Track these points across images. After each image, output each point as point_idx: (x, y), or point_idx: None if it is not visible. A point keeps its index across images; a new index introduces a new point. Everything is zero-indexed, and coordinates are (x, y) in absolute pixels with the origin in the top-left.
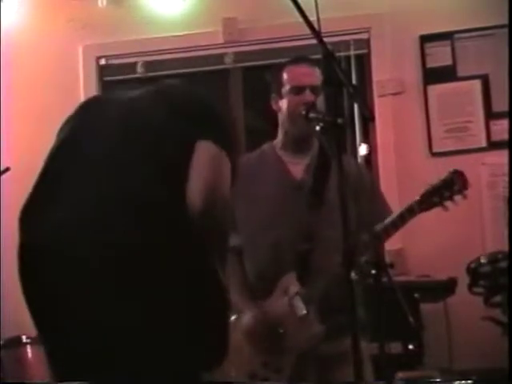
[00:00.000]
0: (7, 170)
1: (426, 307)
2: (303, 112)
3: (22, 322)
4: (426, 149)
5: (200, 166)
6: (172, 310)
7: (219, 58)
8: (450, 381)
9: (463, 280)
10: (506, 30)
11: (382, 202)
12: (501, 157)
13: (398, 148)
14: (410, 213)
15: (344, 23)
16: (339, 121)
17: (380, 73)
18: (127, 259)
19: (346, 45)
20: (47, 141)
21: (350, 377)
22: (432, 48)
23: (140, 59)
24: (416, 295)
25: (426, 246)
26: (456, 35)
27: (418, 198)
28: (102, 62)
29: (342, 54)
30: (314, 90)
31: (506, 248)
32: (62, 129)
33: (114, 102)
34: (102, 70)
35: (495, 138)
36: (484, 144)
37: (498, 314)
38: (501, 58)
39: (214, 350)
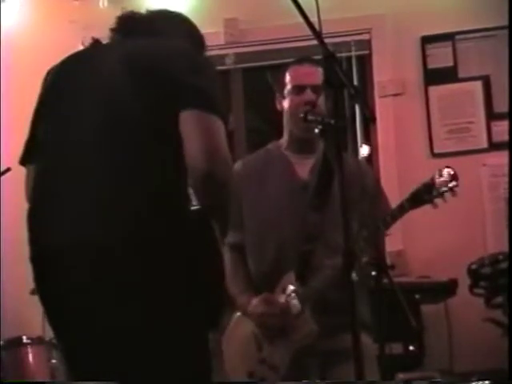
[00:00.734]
0: (8, 170)
1: (426, 308)
2: (302, 114)
3: (22, 322)
4: (427, 149)
5: (192, 134)
6: (172, 277)
7: (220, 58)
8: (450, 382)
9: (464, 281)
10: (506, 31)
11: (384, 201)
12: (502, 158)
13: (398, 149)
14: (400, 211)
15: (345, 24)
16: (338, 122)
17: (381, 73)
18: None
19: (347, 46)
20: None
21: (349, 375)
22: (433, 49)
23: None
24: (417, 296)
25: (427, 247)
26: (457, 36)
27: (407, 196)
28: None
29: (343, 54)
30: (315, 89)
31: (506, 249)
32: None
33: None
34: None
35: (496, 138)
36: (485, 145)
37: (498, 315)
38: (502, 59)
39: (214, 310)
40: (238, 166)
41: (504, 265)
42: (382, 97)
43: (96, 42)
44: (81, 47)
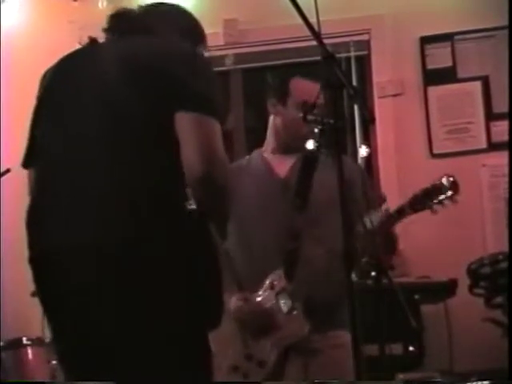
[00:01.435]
0: (8, 171)
1: (426, 308)
2: (301, 114)
3: (22, 323)
4: (427, 150)
5: (188, 136)
6: (171, 277)
7: (220, 59)
8: (450, 382)
9: (464, 281)
10: (506, 32)
11: (373, 190)
12: (501, 158)
13: (398, 149)
14: (398, 215)
15: (344, 25)
16: (337, 123)
17: (380, 74)
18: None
19: (346, 46)
20: None
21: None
22: (432, 49)
23: None
24: (416, 296)
25: (426, 247)
26: (456, 36)
27: (408, 200)
28: None
29: (342, 55)
30: (318, 107)
31: (506, 249)
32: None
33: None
34: None
35: (495, 139)
36: (484, 145)
37: (498, 315)
38: (501, 60)
39: (213, 310)
40: None
41: (504, 265)
42: (381, 97)
43: (93, 41)
44: (78, 47)
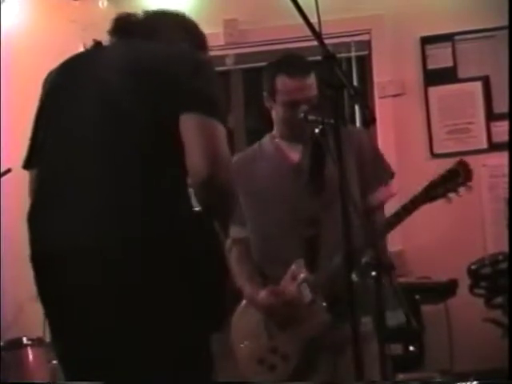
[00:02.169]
0: (8, 171)
1: (426, 309)
2: (301, 114)
3: (22, 323)
4: (427, 150)
5: (193, 138)
6: (174, 279)
7: (220, 59)
8: (450, 382)
9: (464, 281)
10: (506, 32)
11: (385, 164)
12: (501, 158)
13: (398, 149)
14: (413, 204)
15: (345, 25)
16: (338, 123)
17: (381, 74)
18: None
19: (346, 46)
20: None
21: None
22: (433, 49)
23: None
24: (417, 297)
25: (427, 248)
26: (457, 37)
27: (422, 189)
28: None
29: (342, 55)
30: (309, 101)
31: (506, 249)
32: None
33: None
34: None
35: (496, 139)
36: (485, 145)
37: (498, 315)
38: (501, 60)
39: (218, 312)
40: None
41: (504, 265)
42: (382, 97)
43: (97, 44)
44: (81, 48)
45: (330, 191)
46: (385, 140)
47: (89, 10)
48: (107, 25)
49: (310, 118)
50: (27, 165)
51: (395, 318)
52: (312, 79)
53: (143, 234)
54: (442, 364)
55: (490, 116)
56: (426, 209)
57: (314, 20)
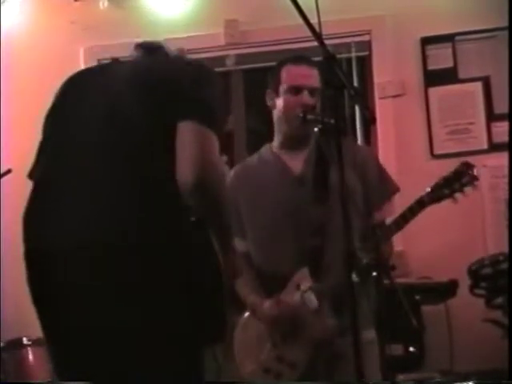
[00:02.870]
0: (9, 171)
1: (427, 309)
2: (301, 114)
3: (22, 323)
4: (427, 151)
5: (184, 146)
6: (171, 290)
7: (220, 59)
8: (450, 383)
9: (464, 282)
10: (506, 32)
11: (388, 181)
12: (502, 159)
13: (399, 150)
14: (419, 205)
15: (345, 25)
16: (338, 123)
17: (381, 75)
18: (127, 245)
19: (347, 47)
20: None
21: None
22: (433, 50)
23: None
24: (417, 297)
25: (427, 248)
26: (457, 37)
27: (428, 189)
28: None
29: (343, 55)
30: (312, 92)
31: (506, 250)
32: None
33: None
34: None
35: (496, 140)
36: (485, 146)
37: (499, 315)
38: (502, 60)
39: (215, 324)
40: (231, 174)
41: (504, 265)
42: (382, 98)
43: (113, 61)
44: (81, 51)
45: (334, 199)
46: (385, 141)
47: (89, 10)
48: (108, 25)
49: (309, 117)
50: (32, 175)
51: None
52: (316, 72)
53: (139, 240)
54: (442, 364)
55: (491, 116)
56: (426, 209)
57: (314, 21)
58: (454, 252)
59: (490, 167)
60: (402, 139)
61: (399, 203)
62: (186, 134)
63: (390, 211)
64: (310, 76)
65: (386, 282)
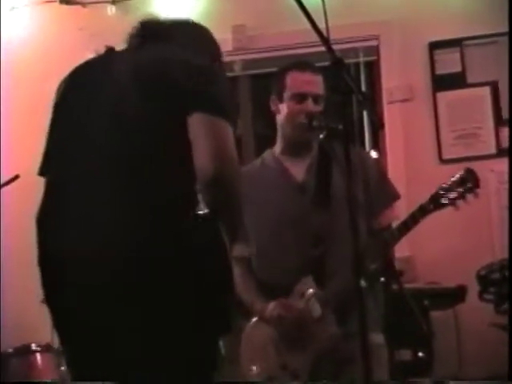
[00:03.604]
0: (16, 177)
1: (435, 314)
2: (305, 121)
3: (31, 329)
4: (436, 155)
5: (199, 137)
6: (181, 282)
7: (228, 65)
8: None
9: (473, 287)
10: None
11: (390, 187)
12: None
13: (407, 155)
14: (421, 212)
15: (353, 30)
16: (342, 127)
17: (389, 80)
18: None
19: (355, 52)
20: None
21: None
22: (441, 55)
23: None
24: (425, 302)
25: (435, 253)
26: (465, 42)
27: (429, 197)
28: None
29: (351, 60)
30: (316, 99)
31: None
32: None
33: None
34: None
35: (505, 144)
36: (493, 151)
37: (507, 320)
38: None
39: (225, 313)
40: None
41: None
42: (390, 103)
43: (109, 50)
44: (90, 55)
45: (336, 206)
46: (393, 145)
47: (97, 17)
48: (116, 31)
49: (315, 124)
50: (42, 171)
51: None
52: (321, 79)
53: (152, 239)
54: (450, 369)
55: (499, 121)
56: (434, 214)
57: (322, 26)
58: (462, 257)
59: (497, 172)
60: (410, 144)
61: (407, 208)
62: (200, 126)
63: (391, 218)
64: (315, 83)
65: (394, 287)
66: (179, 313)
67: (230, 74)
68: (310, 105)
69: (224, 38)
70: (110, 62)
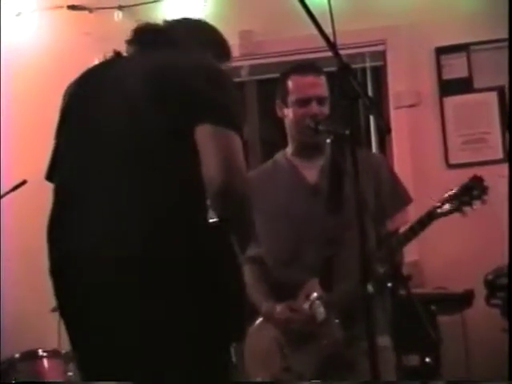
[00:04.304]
0: (24, 182)
1: (442, 319)
2: (312, 125)
3: (38, 335)
4: (443, 160)
5: (209, 148)
6: (192, 289)
7: (235, 70)
8: None
9: (480, 292)
10: None
11: (402, 191)
12: None
13: (414, 160)
14: (428, 218)
15: (360, 35)
16: (350, 132)
17: (396, 85)
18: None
19: (361, 57)
20: None
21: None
22: (448, 60)
23: None
24: (433, 307)
25: (443, 258)
26: (472, 47)
27: (437, 203)
28: None
29: (357, 65)
30: (320, 101)
31: None
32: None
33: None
34: None
35: None
36: (501, 156)
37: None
38: None
39: (237, 322)
40: None
41: None
42: (397, 108)
43: (117, 55)
44: (96, 60)
45: (349, 211)
46: (400, 150)
47: (103, 22)
48: (122, 36)
49: (321, 128)
50: (49, 176)
51: None
52: (323, 80)
53: (162, 246)
54: (458, 375)
55: (506, 126)
56: (441, 219)
57: (328, 30)
58: (470, 262)
59: (506, 177)
60: (417, 149)
61: (414, 213)
62: (209, 137)
63: (402, 222)
64: (317, 85)
65: (401, 292)
66: (192, 319)
67: (236, 80)
68: (314, 107)
69: (231, 43)
70: (119, 68)
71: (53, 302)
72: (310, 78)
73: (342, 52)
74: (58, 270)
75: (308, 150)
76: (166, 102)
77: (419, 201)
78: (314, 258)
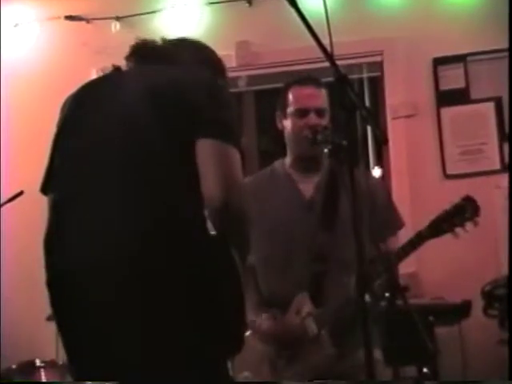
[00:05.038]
0: (21, 193)
1: (440, 330)
2: (310, 136)
3: (35, 346)
4: (440, 171)
5: (208, 164)
6: (190, 301)
7: (232, 81)
8: None
9: (478, 303)
10: None
11: (395, 215)
12: None
13: (411, 171)
14: (419, 239)
15: (357, 46)
16: (347, 143)
17: (393, 95)
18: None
19: (359, 68)
20: None
21: None
22: (445, 71)
23: None
24: (430, 318)
25: (440, 269)
26: (469, 58)
27: (427, 224)
28: None
29: (355, 76)
30: (319, 112)
31: None
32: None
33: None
34: None
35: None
36: (498, 167)
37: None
38: None
39: (236, 335)
40: None
41: None
42: (394, 118)
43: (116, 69)
44: (94, 70)
45: (341, 227)
46: (397, 161)
47: (101, 33)
48: (120, 47)
49: (319, 138)
50: (44, 189)
51: None
52: (323, 92)
53: (160, 258)
54: None
55: (503, 137)
56: None
57: (326, 41)
58: (467, 273)
59: (503, 188)
60: (414, 160)
61: (412, 223)
62: (208, 152)
63: (393, 245)
64: (316, 96)
65: (398, 303)
66: (191, 331)
67: (233, 90)
68: (312, 118)
69: (228, 54)
70: (118, 81)
71: (49, 310)
72: (309, 90)
73: (339, 63)
74: (55, 282)
75: (305, 163)
76: (166, 115)
77: (416, 211)
78: (302, 273)
